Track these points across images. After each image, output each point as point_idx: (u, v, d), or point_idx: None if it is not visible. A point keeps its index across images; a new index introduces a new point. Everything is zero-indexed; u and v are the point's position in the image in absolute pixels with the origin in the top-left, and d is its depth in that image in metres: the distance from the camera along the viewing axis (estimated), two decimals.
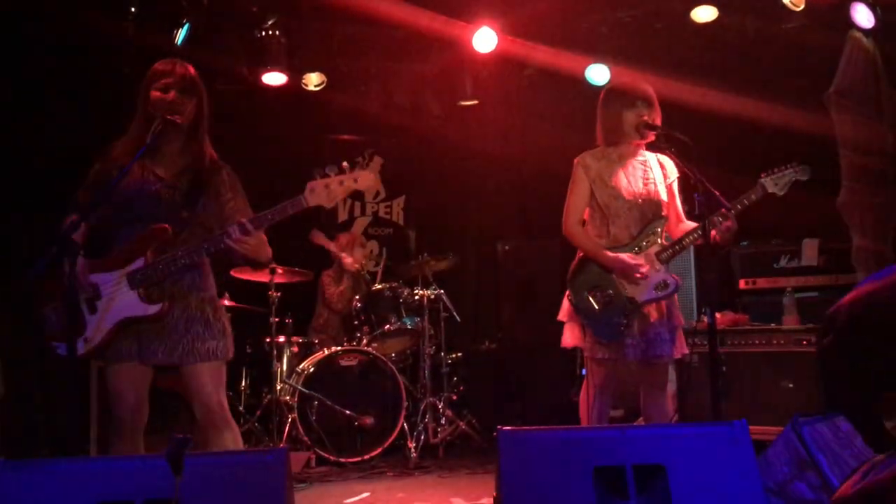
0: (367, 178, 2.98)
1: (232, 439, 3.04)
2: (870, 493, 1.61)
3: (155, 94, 2.99)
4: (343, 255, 6.23)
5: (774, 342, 4.72)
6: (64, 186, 5.18)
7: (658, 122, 3.55)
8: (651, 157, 3.66)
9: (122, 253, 2.96)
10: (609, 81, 5.69)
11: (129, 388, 2.97)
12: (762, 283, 5.27)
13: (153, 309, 2.91)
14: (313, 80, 6.41)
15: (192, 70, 3.07)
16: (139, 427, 3.01)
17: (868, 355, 1.76)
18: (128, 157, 2.96)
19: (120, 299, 2.91)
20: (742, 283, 5.34)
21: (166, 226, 2.95)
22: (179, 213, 2.98)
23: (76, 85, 5.29)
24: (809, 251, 5.18)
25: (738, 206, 3.38)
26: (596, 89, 5.91)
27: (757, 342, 4.76)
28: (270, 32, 5.78)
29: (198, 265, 3.04)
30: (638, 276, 3.44)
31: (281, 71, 5.90)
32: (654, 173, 3.61)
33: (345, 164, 2.99)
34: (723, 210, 3.32)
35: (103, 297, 2.92)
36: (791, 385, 4.59)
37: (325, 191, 2.92)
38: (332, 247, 6.27)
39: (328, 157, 7.39)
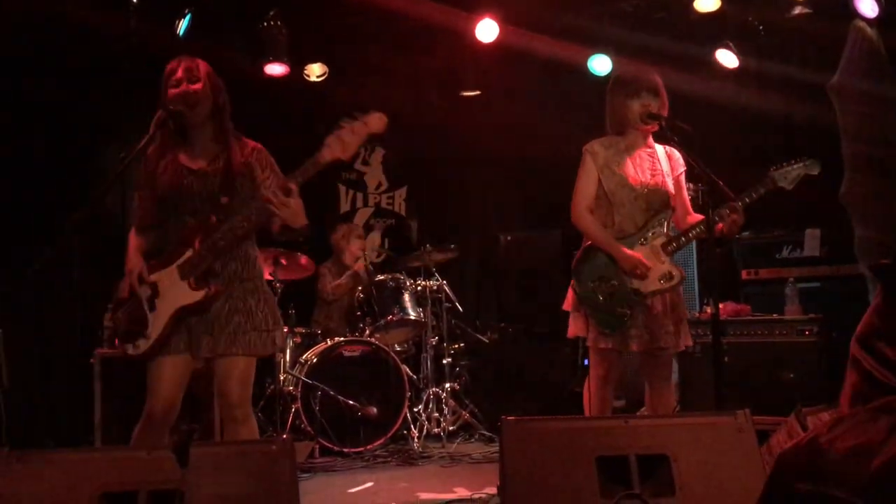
0: (375, 120, 3.06)
1: (247, 434, 3.05)
2: (806, 447, 1.67)
3: (171, 91, 3.02)
4: (357, 265, 6.15)
5: (777, 332, 4.72)
6: (65, 180, 5.19)
7: (664, 112, 3.53)
8: (659, 149, 3.65)
9: (174, 249, 3.02)
10: (615, 70, 5.67)
11: (167, 384, 2.98)
12: (764, 273, 5.28)
13: (199, 294, 2.95)
14: (315, 71, 6.40)
15: (199, 62, 3.09)
16: (167, 423, 3.02)
17: None
18: (155, 156, 3.03)
19: (173, 292, 2.96)
20: (744, 274, 5.34)
21: (212, 216, 2.99)
22: (219, 200, 3.01)
23: (77, 77, 5.28)
24: (811, 241, 5.18)
25: (746, 199, 3.38)
26: (598, 80, 5.91)
27: (759, 332, 4.76)
28: (272, 23, 5.76)
29: (241, 252, 3.06)
30: (639, 273, 3.44)
31: (282, 62, 5.88)
32: (662, 164, 3.60)
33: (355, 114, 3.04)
34: (730, 203, 3.32)
35: (161, 293, 2.98)
36: (793, 375, 4.59)
37: (339, 142, 2.96)
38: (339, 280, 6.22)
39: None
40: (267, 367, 5.72)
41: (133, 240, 3.12)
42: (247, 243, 3.10)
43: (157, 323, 2.96)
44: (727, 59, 5.72)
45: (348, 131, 2.98)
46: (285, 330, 5.67)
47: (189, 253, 2.97)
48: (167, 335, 2.95)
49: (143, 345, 2.96)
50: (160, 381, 2.98)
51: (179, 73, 3.02)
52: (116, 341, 3.06)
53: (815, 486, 1.60)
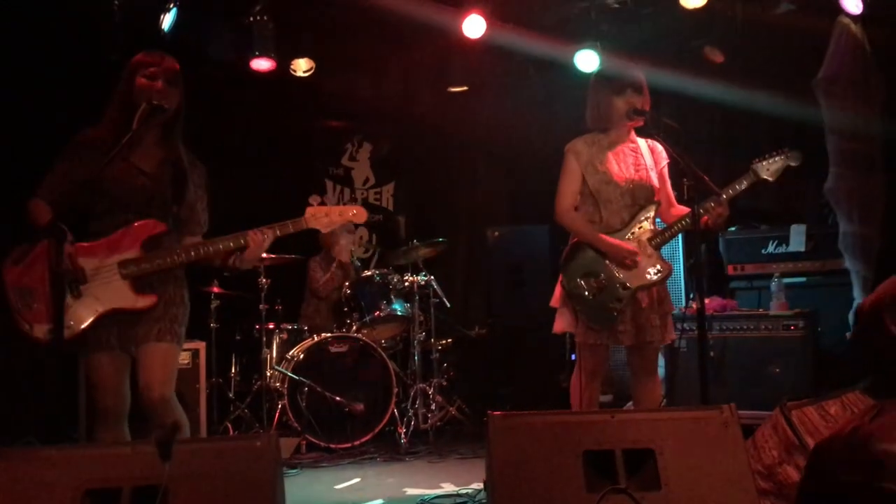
0: (361, 214, 3.24)
1: (180, 414, 3.01)
2: (848, 438, 1.65)
3: (141, 80, 2.96)
4: (340, 258, 6.15)
5: (762, 327, 4.75)
6: (45, 172, 5.14)
7: (647, 107, 3.54)
8: (642, 143, 3.66)
9: (112, 241, 2.93)
10: (601, 66, 5.68)
11: (110, 378, 2.93)
12: (750, 268, 5.30)
13: (143, 302, 2.91)
14: (302, 66, 6.37)
15: (177, 64, 3.05)
16: (122, 415, 2.99)
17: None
18: (107, 143, 2.90)
19: (108, 288, 2.89)
20: (730, 269, 5.36)
21: (164, 225, 2.97)
22: (170, 207, 3.00)
23: (60, 71, 5.23)
24: (797, 237, 5.20)
25: (730, 192, 3.39)
26: (584, 76, 5.91)
27: (745, 327, 4.79)
28: (259, 18, 5.73)
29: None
30: (629, 262, 3.45)
31: (269, 57, 5.84)
32: (646, 159, 3.61)
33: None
34: (714, 196, 3.33)
35: (89, 282, 2.89)
36: (779, 370, 4.62)
37: (326, 218, 3.15)
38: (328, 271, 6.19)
39: (317, 144, 7.40)
40: (253, 363, 5.71)
41: (43, 209, 2.92)
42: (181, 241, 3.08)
43: (81, 314, 2.85)
44: (713, 54, 5.74)
45: (336, 213, 3.18)
46: (271, 326, 5.67)
47: (133, 253, 2.91)
48: (90, 330, 2.86)
49: (65, 334, 2.73)
50: (104, 375, 2.92)
51: (156, 69, 2.96)
52: (15, 315, 2.84)
53: (864, 478, 1.58)
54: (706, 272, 5.29)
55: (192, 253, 2.97)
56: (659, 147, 3.64)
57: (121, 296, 2.90)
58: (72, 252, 2.83)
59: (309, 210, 3.13)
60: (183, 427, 2.94)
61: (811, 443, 2.68)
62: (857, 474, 1.60)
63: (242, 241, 3.01)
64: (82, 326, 2.86)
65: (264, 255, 5.32)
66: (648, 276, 3.48)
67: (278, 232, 3.06)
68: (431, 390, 5.71)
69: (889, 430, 1.61)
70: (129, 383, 3.00)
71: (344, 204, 7.46)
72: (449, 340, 6.21)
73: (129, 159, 2.99)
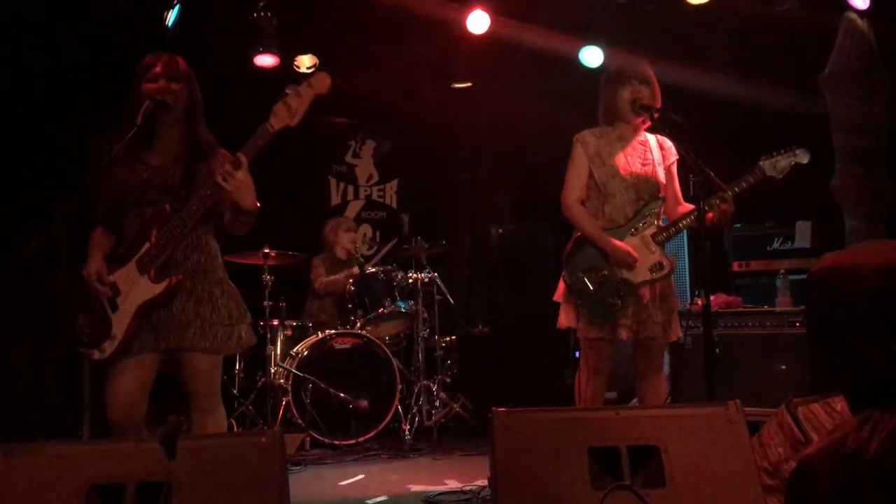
0: (320, 79, 2.95)
1: (214, 424, 3.02)
2: (830, 451, 1.60)
3: (146, 86, 2.97)
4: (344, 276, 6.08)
5: (768, 324, 4.73)
6: (50, 170, 5.15)
7: (656, 102, 3.53)
8: (651, 139, 3.65)
9: (131, 244, 2.96)
10: (606, 62, 5.66)
11: (124, 391, 2.91)
12: (755, 265, 5.29)
13: (160, 287, 2.90)
14: (305, 62, 6.36)
15: (180, 60, 3.04)
16: (135, 423, 2.94)
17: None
18: (123, 157, 2.94)
19: (134, 289, 2.91)
20: (735, 266, 5.35)
21: (166, 206, 2.92)
22: (178, 192, 2.95)
23: (64, 68, 5.23)
24: (802, 233, 5.19)
25: (736, 189, 3.38)
26: (589, 72, 5.89)
27: (750, 324, 4.78)
28: (262, 14, 5.73)
29: (203, 244, 3.02)
30: (625, 266, 3.44)
31: (272, 53, 5.84)
32: (654, 155, 3.60)
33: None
34: (720, 193, 3.32)
35: (122, 292, 2.92)
36: (784, 367, 4.60)
37: (286, 109, 2.87)
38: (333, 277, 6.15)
39: (320, 140, 7.38)
40: (258, 359, 5.71)
41: (95, 237, 3.05)
42: (208, 235, 3.05)
43: (120, 323, 2.89)
44: (719, 51, 5.72)
45: (294, 96, 2.88)
46: (275, 323, 5.66)
47: (147, 246, 2.91)
48: (133, 333, 2.88)
49: (109, 347, 2.88)
50: (118, 389, 2.90)
51: (158, 69, 2.96)
52: (82, 348, 2.94)
53: (844, 498, 1.51)
54: (711, 269, 5.27)
55: (182, 217, 2.88)
56: (668, 143, 3.63)
57: (143, 290, 2.90)
58: (100, 272, 2.91)
59: (272, 111, 2.85)
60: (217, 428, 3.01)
61: (817, 439, 2.67)
62: (839, 493, 1.55)
63: (212, 184, 2.82)
64: (122, 333, 2.89)
65: (269, 251, 5.41)
66: (651, 273, 3.47)
67: (248, 152, 2.83)
68: (435, 387, 5.71)
69: (875, 441, 1.54)
70: (146, 396, 2.97)
71: (348, 201, 7.47)
72: (453, 337, 6.21)
73: (142, 159, 3.00)
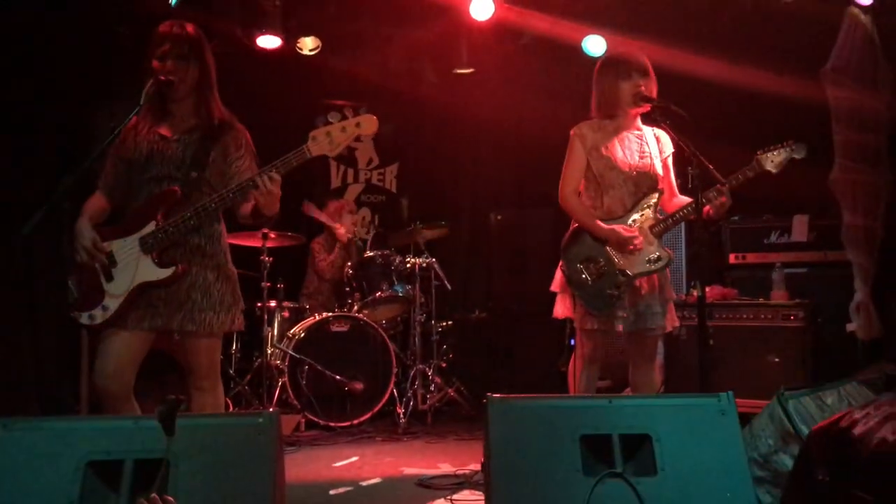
0: (369, 122, 2.91)
1: (213, 403, 3.05)
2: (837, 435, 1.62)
3: (155, 63, 2.98)
4: (336, 225, 6.21)
5: (762, 316, 4.76)
6: (55, 146, 5.14)
7: (654, 93, 3.54)
8: (647, 131, 3.65)
9: (134, 218, 2.96)
10: (605, 52, 5.65)
11: (113, 361, 2.89)
12: (752, 257, 5.31)
13: (165, 273, 2.91)
14: (308, 45, 6.34)
15: (191, 30, 3.03)
16: (122, 397, 2.91)
17: None
18: (133, 124, 2.98)
19: (135, 265, 2.90)
20: (732, 258, 5.37)
21: (176, 188, 2.94)
22: (189, 173, 2.96)
23: (69, 44, 5.22)
24: (799, 227, 5.20)
25: (733, 182, 3.39)
26: (592, 60, 5.87)
27: (745, 316, 4.81)
28: None
29: (207, 227, 3.02)
30: (631, 248, 3.45)
31: (276, 34, 5.83)
32: (650, 147, 3.61)
33: (347, 111, 2.99)
34: (717, 185, 3.33)
35: (119, 263, 2.91)
36: (777, 359, 4.64)
37: (327, 139, 2.87)
38: (323, 218, 6.24)
39: (321, 122, 7.36)
40: (254, 340, 5.73)
41: (90, 201, 3.06)
42: (212, 217, 3.05)
43: (115, 296, 2.88)
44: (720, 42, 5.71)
45: (339, 129, 2.89)
46: (272, 304, 5.68)
47: (152, 226, 2.91)
48: (126, 308, 2.89)
49: (101, 316, 2.88)
50: (107, 358, 2.89)
51: (167, 47, 2.97)
52: (69, 310, 2.93)
53: (836, 481, 1.52)
54: (707, 260, 5.30)
55: (201, 210, 2.90)
56: (664, 136, 3.64)
57: (145, 270, 2.91)
58: (94, 237, 2.90)
59: (310, 135, 2.87)
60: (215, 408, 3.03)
61: (807, 432, 2.70)
62: (831, 476, 1.57)
63: (251, 183, 2.84)
64: (115, 307, 2.89)
65: (269, 233, 5.42)
66: (648, 264, 3.49)
67: (281, 169, 2.86)
68: (431, 371, 5.74)
69: (875, 431, 1.56)
70: (135, 367, 2.96)
71: (348, 184, 7.47)
72: (449, 323, 6.23)
73: (155, 130, 3.01)
